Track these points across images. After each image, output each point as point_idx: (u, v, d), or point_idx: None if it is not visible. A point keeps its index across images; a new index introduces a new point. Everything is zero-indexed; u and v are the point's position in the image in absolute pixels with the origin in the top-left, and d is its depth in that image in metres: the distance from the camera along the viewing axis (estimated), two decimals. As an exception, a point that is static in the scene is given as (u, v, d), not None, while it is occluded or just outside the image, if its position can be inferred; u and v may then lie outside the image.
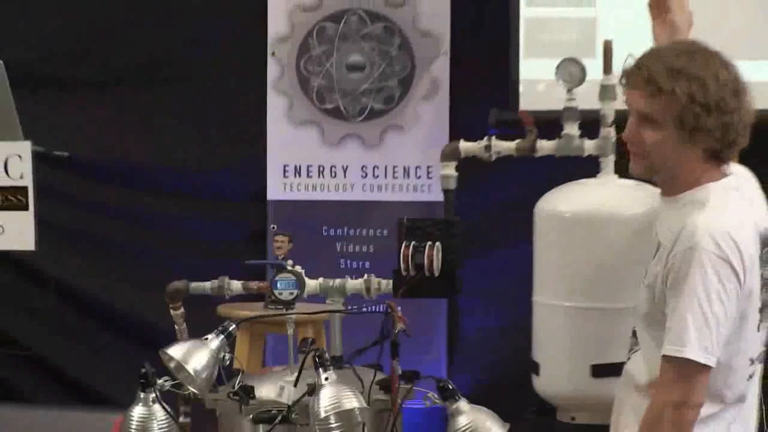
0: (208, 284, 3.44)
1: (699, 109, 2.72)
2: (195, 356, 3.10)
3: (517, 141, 3.59)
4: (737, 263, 2.68)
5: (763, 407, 3.00)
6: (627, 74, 2.83)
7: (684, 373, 2.68)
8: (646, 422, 2.75)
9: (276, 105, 5.42)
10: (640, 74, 2.78)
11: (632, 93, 2.80)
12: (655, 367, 2.76)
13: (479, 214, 4.98)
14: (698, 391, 2.69)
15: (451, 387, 3.21)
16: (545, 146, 3.56)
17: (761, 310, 2.79)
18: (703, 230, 2.69)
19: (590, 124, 3.57)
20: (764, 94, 2.92)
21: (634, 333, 2.92)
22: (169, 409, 3.19)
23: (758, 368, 2.85)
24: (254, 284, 3.46)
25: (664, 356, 2.70)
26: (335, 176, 5.40)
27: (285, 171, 5.40)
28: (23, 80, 4.82)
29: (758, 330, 2.80)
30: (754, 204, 2.85)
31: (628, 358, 2.94)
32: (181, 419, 3.36)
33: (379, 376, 3.25)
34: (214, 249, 5.39)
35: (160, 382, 3.18)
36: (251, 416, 3.17)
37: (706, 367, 2.68)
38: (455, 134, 4.79)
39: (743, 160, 2.90)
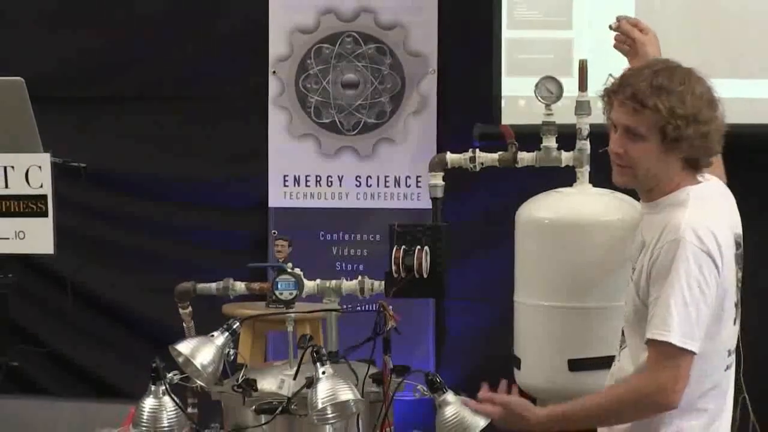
0: (213, 285, 3.43)
1: (679, 122, 2.74)
2: (202, 352, 3.09)
3: (500, 153, 3.58)
4: (717, 256, 2.70)
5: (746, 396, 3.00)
6: (611, 92, 2.85)
7: (668, 357, 2.68)
8: (624, 401, 2.74)
9: (277, 120, 5.42)
10: (624, 92, 2.80)
11: (618, 110, 2.82)
12: (642, 362, 2.77)
13: (465, 221, 4.97)
14: (682, 375, 2.69)
15: (438, 380, 3.20)
16: (525, 158, 3.56)
17: (737, 306, 2.81)
18: (686, 225, 2.72)
19: (567, 137, 3.57)
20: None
21: (623, 331, 2.92)
22: (177, 401, 3.17)
23: (733, 359, 2.85)
24: (256, 285, 3.46)
25: (649, 341, 2.70)
26: (331, 185, 5.39)
27: (285, 180, 5.40)
28: (43, 97, 4.83)
29: (734, 324, 2.82)
30: (726, 209, 2.87)
31: (618, 355, 2.93)
32: (189, 410, 3.35)
33: (372, 370, 3.24)
34: (220, 253, 5.38)
35: (169, 375, 3.17)
36: (254, 407, 3.16)
37: (689, 353, 2.68)
38: (442, 146, 4.79)
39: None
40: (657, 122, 2.76)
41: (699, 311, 2.68)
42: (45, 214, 4.24)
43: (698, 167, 2.83)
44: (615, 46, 3.27)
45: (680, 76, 2.79)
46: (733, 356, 2.86)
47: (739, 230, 2.87)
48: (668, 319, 2.67)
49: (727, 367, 2.83)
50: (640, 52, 3.19)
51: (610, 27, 3.28)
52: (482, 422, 3.19)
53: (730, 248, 2.77)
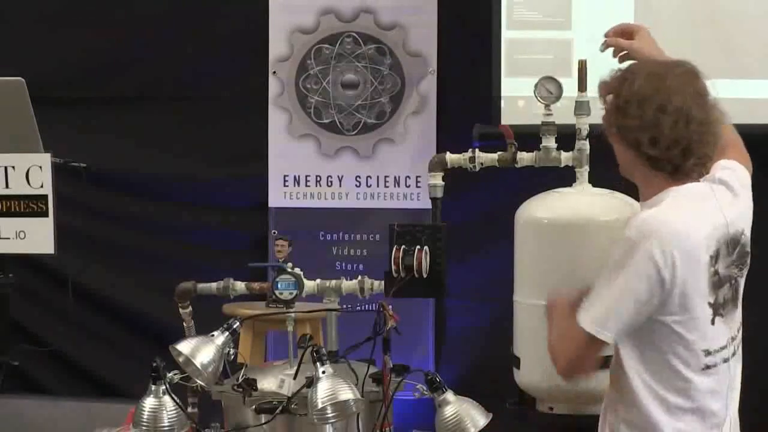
0: (214, 285, 3.43)
1: (646, 138, 2.72)
2: (202, 351, 3.09)
3: (499, 153, 3.58)
4: (659, 255, 2.66)
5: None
6: (598, 88, 2.85)
7: (580, 338, 2.72)
8: (551, 344, 2.84)
9: (277, 120, 5.42)
10: (602, 93, 2.81)
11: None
12: (619, 357, 2.79)
13: (464, 221, 4.97)
14: (587, 357, 2.75)
15: (438, 380, 3.21)
16: (525, 158, 3.55)
17: (713, 305, 2.76)
18: (636, 222, 2.71)
19: (566, 137, 3.56)
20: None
21: None
22: (178, 400, 3.18)
23: (719, 359, 2.83)
24: (257, 285, 3.45)
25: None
26: (331, 185, 5.39)
27: (285, 181, 5.40)
28: (44, 97, 4.83)
29: (712, 324, 2.77)
30: (709, 209, 2.78)
31: None
32: (189, 409, 3.35)
33: (372, 369, 3.24)
34: (220, 253, 5.38)
35: (169, 375, 3.17)
36: (254, 407, 3.16)
37: (597, 339, 2.70)
38: (442, 147, 4.78)
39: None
40: (625, 141, 2.76)
41: (622, 304, 2.69)
42: (45, 214, 4.25)
43: (686, 177, 2.77)
44: (617, 60, 3.25)
45: (658, 87, 2.73)
46: (717, 357, 2.80)
47: (732, 230, 2.80)
48: (589, 307, 2.72)
49: (706, 367, 2.78)
50: (638, 56, 3.17)
51: (601, 50, 3.27)
52: (482, 421, 3.19)
53: (698, 248, 2.71)
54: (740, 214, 2.85)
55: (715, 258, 2.75)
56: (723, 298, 2.78)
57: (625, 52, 3.17)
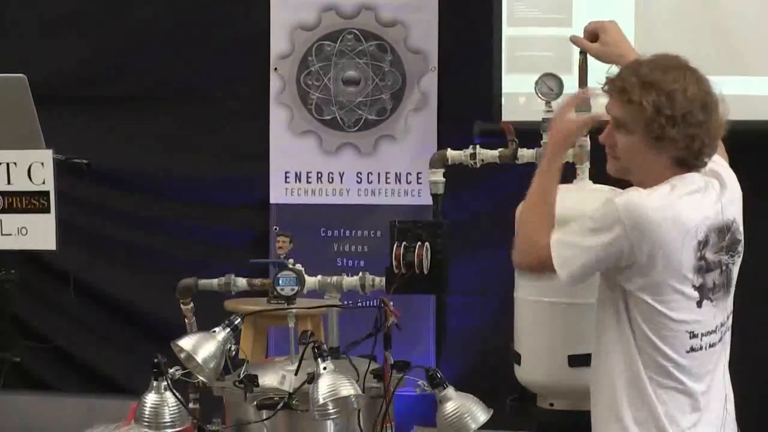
0: (215, 281, 3.43)
1: (664, 120, 2.75)
2: (203, 347, 3.09)
3: (500, 150, 3.58)
4: (630, 229, 2.74)
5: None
6: (607, 82, 2.87)
7: (544, 253, 2.85)
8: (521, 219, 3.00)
9: (278, 117, 5.41)
10: (616, 84, 2.83)
11: (610, 101, 2.86)
12: (600, 349, 2.86)
13: (465, 217, 4.97)
14: (540, 266, 2.89)
15: (439, 375, 3.21)
16: (526, 154, 3.55)
17: (699, 288, 2.80)
18: (628, 199, 2.79)
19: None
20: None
21: None
22: (179, 396, 3.18)
23: (706, 344, 2.84)
24: (258, 281, 3.45)
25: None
26: (332, 182, 5.39)
27: (286, 177, 5.39)
28: (46, 95, 4.82)
29: (699, 306, 2.81)
30: (699, 199, 2.83)
31: None
32: (190, 405, 3.35)
33: (373, 365, 3.24)
34: (222, 249, 5.38)
35: (171, 371, 3.17)
36: (255, 403, 3.16)
37: (553, 268, 2.84)
38: (443, 143, 4.77)
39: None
40: (642, 118, 2.78)
41: (588, 259, 2.81)
42: (47, 211, 4.24)
43: (689, 167, 2.83)
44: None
45: (675, 75, 2.79)
46: (704, 340, 2.84)
47: (724, 218, 2.85)
48: (565, 238, 2.85)
49: (692, 349, 2.82)
50: (603, 59, 3.20)
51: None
52: (482, 417, 3.19)
53: (685, 234, 2.76)
54: (731, 203, 2.91)
55: (703, 243, 2.80)
56: (713, 283, 2.83)
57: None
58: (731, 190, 2.92)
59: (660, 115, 2.75)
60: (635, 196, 2.80)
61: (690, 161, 2.82)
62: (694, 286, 2.80)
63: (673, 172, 2.82)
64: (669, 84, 2.76)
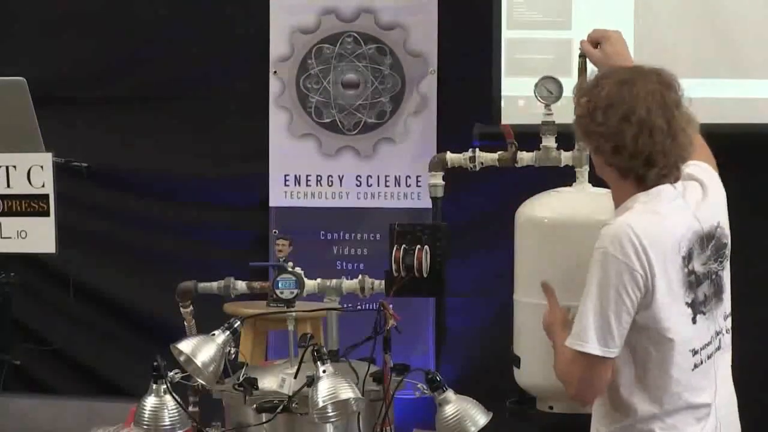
0: (215, 284, 3.43)
1: (609, 146, 2.74)
2: (203, 350, 3.09)
3: (499, 153, 3.57)
4: (636, 261, 2.68)
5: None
6: (572, 91, 2.90)
7: (585, 365, 2.72)
8: (559, 372, 2.82)
9: (278, 120, 5.41)
10: (575, 96, 2.85)
11: None
12: None
13: (464, 220, 4.97)
14: (598, 378, 2.74)
15: (438, 378, 3.21)
16: (525, 157, 3.55)
17: (692, 305, 2.78)
18: (609, 232, 2.72)
19: (566, 137, 3.55)
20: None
21: None
22: (179, 399, 3.17)
23: (705, 357, 2.82)
24: (257, 284, 3.45)
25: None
26: (332, 185, 5.39)
27: (286, 180, 5.39)
28: (45, 98, 4.83)
29: (694, 322, 2.78)
30: (679, 208, 2.79)
31: None
32: (190, 408, 3.35)
33: (373, 368, 3.24)
34: (221, 252, 5.37)
35: (171, 374, 3.17)
36: (255, 406, 3.15)
37: (605, 359, 2.70)
38: (442, 146, 4.77)
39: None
40: (579, 128, 2.81)
41: (617, 318, 2.69)
42: (47, 214, 4.23)
43: (644, 182, 2.76)
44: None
45: (604, 82, 2.76)
46: (703, 354, 2.81)
47: (705, 226, 2.80)
48: (586, 331, 2.71)
49: (695, 366, 2.79)
50: (600, 66, 3.18)
51: (579, 55, 3.33)
52: (482, 420, 3.19)
53: (670, 251, 2.72)
54: (712, 208, 2.86)
55: (687, 258, 2.76)
56: (704, 296, 2.80)
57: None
58: (713, 194, 2.87)
59: (604, 150, 2.74)
60: (612, 228, 2.73)
61: (650, 182, 2.76)
62: (687, 303, 2.76)
63: (636, 189, 2.77)
64: (613, 115, 2.72)
